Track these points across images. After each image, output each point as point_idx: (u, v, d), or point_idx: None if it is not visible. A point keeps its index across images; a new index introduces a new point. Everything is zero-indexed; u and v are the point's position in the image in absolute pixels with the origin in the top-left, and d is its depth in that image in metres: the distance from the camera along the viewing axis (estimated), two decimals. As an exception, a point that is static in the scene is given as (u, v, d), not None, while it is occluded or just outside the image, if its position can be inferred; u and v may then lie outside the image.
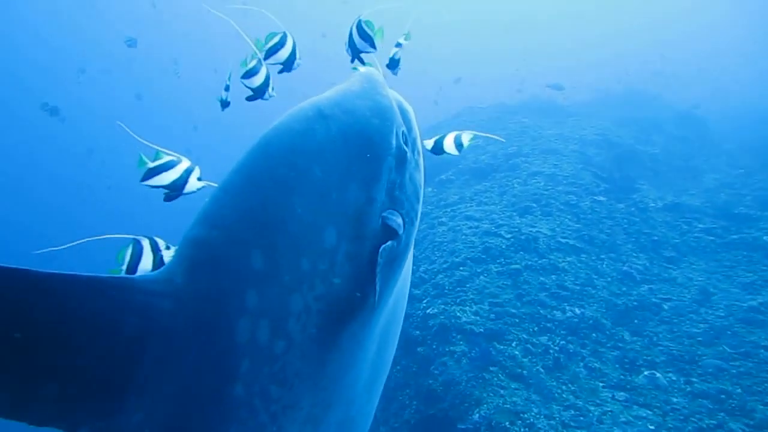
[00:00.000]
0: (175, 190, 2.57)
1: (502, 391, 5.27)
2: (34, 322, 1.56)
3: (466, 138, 3.34)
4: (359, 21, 3.19)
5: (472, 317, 6.04)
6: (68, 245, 2.45)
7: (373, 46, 3.23)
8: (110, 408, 1.72)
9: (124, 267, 2.49)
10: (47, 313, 1.58)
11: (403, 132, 2.50)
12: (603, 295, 6.62)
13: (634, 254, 7.65)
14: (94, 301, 1.66)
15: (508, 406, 5.08)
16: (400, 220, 2.39)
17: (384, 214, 2.33)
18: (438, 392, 5.54)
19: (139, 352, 1.74)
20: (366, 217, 2.23)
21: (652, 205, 9.00)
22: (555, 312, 6.22)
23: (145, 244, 2.53)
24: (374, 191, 2.27)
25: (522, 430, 4.83)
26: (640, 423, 5.01)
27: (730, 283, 7.13)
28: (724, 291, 6.89)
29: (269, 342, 1.97)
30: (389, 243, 2.28)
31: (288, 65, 3.30)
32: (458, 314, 6.07)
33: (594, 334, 6.08)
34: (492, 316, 6.10)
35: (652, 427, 4.95)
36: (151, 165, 2.53)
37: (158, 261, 2.53)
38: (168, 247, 2.58)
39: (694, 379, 5.49)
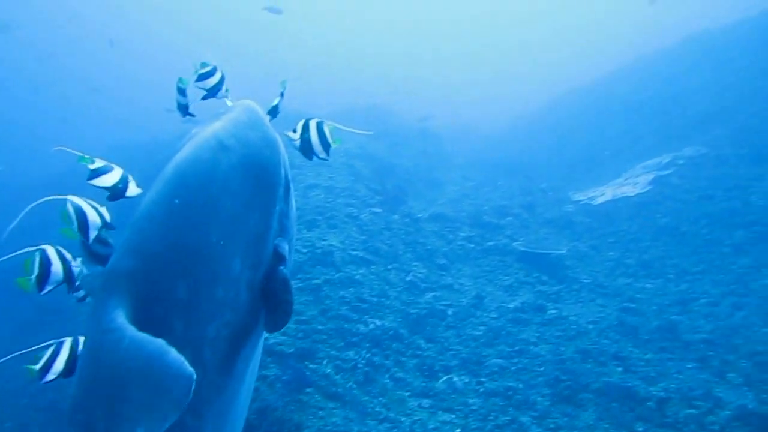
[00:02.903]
0: (117, 192, 2.62)
1: (320, 413, 5.16)
2: None
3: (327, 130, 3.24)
4: None
5: (281, 337, 5.80)
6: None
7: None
8: None
9: (34, 276, 2.47)
10: None
11: (285, 162, 2.63)
12: (397, 305, 6.91)
13: (414, 263, 8.16)
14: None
15: (329, 428, 4.99)
16: (287, 247, 2.55)
17: (275, 241, 2.47)
18: (251, 421, 5.17)
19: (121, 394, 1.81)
20: (263, 245, 2.36)
21: (419, 215, 9.72)
22: (358, 325, 6.30)
23: (51, 252, 2.49)
24: (270, 220, 2.40)
25: (346, 451, 4.78)
26: (447, 428, 5.34)
27: (494, 287, 8.03)
28: (491, 294, 7.73)
29: None
30: (281, 269, 2.42)
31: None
32: (265, 335, 5.76)
33: (395, 344, 6.30)
34: (300, 334, 5.94)
35: (458, 430, 5.30)
36: (93, 166, 2.55)
37: (68, 269, 2.53)
38: (75, 258, 2.58)
39: (484, 379, 6.03)
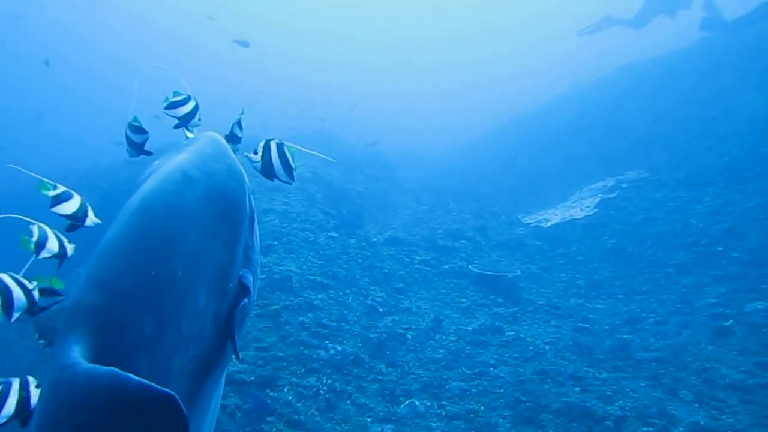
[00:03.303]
0: (77, 220, 2.62)
1: (284, 442, 5.04)
2: None
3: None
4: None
5: (240, 365, 5.65)
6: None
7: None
8: None
9: None
10: None
11: (250, 193, 2.63)
12: (356, 329, 6.87)
13: (372, 287, 8.14)
14: None
15: (293, 457, 4.88)
16: (251, 278, 2.53)
17: (240, 273, 2.46)
18: (211, 454, 5.01)
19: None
20: (228, 277, 2.34)
21: (375, 239, 9.73)
22: (319, 351, 6.23)
23: (7, 279, 2.36)
24: (235, 252, 2.39)
25: (312, 480, 4.69)
26: (410, 453, 5.30)
27: (451, 309, 8.08)
28: (448, 317, 7.77)
29: None
30: (245, 301, 2.42)
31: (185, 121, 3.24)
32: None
33: (356, 370, 6.25)
34: (260, 361, 5.81)
35: (422, 455, 5.27)
36: (54, 193, 2.53)
37: (29, 293, 2.41)
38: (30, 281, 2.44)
39: (445, 403, 6.02)
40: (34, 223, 2.42)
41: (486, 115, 28.64)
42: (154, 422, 1.67)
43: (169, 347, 2.05)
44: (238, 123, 3.28)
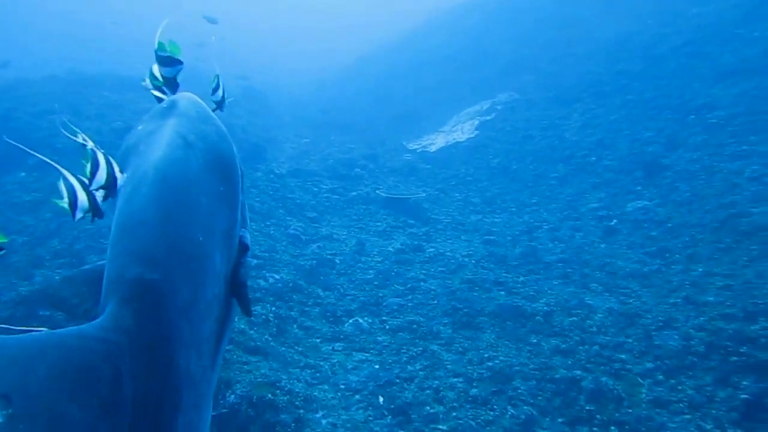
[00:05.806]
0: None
1: (246, 367, 5.01)
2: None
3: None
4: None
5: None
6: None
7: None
8: None
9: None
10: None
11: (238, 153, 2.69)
12: (287, 258, 6.82)
13: (288, 218, 8.05)
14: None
15: (260, 379, 4.87)
16: (248, 236, 2.65)
17: (240, 232, 2.56)
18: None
19: (95, 392, 1.78)
20: (233, 237, 2.44)
21: (278, 171, 9.54)
22: (258, 281, 6.15)
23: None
24: (236, 212, 2.48)
25: (285, 397, 4.73)
26: (365, 365, 5.49)
27: (369, 234, 8.24)
28: (368, 240, 7.93)
29: (195, 370, 2.06)
30: (247, 259, 2.52)
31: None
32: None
33: (295, 296, 6.26)
34: (204, 297, 5.64)
35: (377, 366, 5.47)
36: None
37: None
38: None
39: (386, 318, 6.25)
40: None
41: (347, 44, 28.39)
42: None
43: (202, 311, 2.11)
44: (217, 87, 3.25)
